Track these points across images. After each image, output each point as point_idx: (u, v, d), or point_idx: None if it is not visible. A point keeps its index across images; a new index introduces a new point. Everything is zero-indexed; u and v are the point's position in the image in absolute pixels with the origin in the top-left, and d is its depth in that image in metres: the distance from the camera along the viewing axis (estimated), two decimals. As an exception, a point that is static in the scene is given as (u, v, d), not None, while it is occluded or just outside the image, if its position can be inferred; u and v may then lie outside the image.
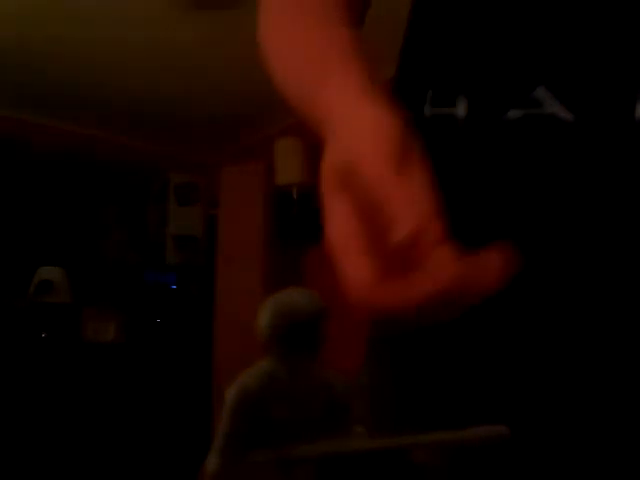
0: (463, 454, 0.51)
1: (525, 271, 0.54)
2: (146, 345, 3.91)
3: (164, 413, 3.78)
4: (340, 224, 0.40)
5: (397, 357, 0.60)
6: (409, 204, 0.37)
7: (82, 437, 3.47)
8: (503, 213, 0.55)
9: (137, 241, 4.32)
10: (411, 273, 0.37)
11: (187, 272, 4.26)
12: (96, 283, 4.05)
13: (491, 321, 0.53)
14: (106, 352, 3.75)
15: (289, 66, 0.57)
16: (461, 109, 0.55)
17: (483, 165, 0.55)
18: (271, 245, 3.59)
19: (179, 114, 3.86)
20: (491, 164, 0.55)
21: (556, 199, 0.53)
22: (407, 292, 0.37)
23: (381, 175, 0.38)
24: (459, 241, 0.44)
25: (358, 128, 0.42)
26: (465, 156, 0.56)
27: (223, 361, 3.51)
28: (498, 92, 0.54)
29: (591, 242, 0.52)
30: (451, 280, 0.37)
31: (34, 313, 3.67)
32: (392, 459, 0.48)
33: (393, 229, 0.36)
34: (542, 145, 0.53)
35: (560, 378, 0.52)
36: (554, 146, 0.52)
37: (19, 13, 2.77)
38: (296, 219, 3.57)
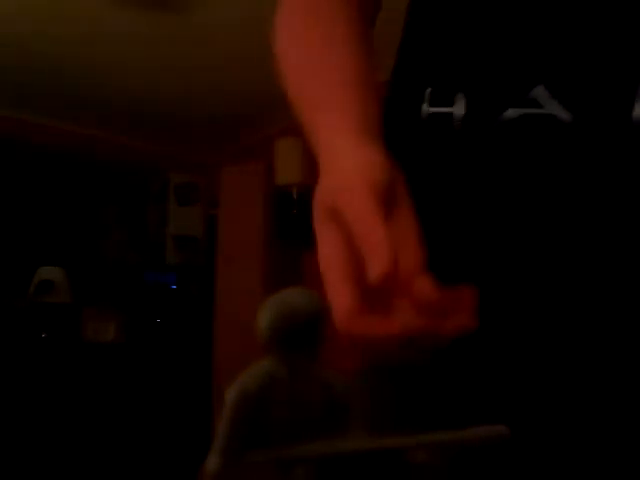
0: (463, 454, 0.51)
1: (523, 270, 0.54)
2: (146, 345, 3.91)
3: (164, 413, 3.78)
4: (326, 254, 0.43)
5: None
6: (383, 246, 0.39)
7: (82, 437, 3.47)
8: (500, 213, 0.55)
9: (137, 241, 4.33)
10: (392, 304, 0.41)
11: (187, 272, 4.26)
12: (96, 283, 4.05)
13: (491, 321, 0.53)
14: (106, 352, 3.75)
15: (294, 78, 0.59)
16: (459, 108, 0.55)
17: (480, 166, 0.55)
18: (271, 245, 3.59)
19: (179, 114, 3.86)
20: (488, 165, 0.55)
21: (553, 199, 0.53)
22: (385, 324, 0.40)
23: (361, 216, 0.41)
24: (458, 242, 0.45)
25: (347, 170, 0.45)
26: (462, 157, 0.56)
27: (223, 361, 3.51)
28: (496, 91, 0.54)
29: (589, 241, 0.52)
30: (427, 317, 0.40)
31: (34, 313, 3.67)
32: (391, 459, 0.48)
33: (367, 268, 0.39)
34: (540, 146, 0.53)
35: (559, 378, 0.52)
36: (552, 147, 0.52)
37: (19, 13, 2.77)
38: (296, 219, 3.57)
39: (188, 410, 3.79)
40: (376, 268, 0.39)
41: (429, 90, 0.57)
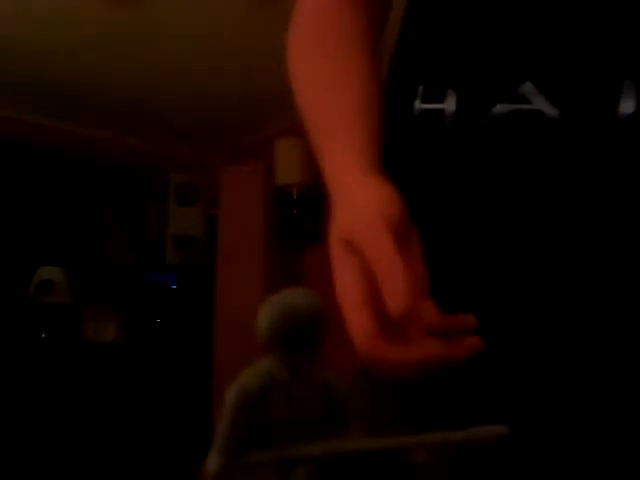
0: (463, 454, 0.51)
1: (517, 267, 0.54)
2: (146, 345, 3.91)
3: (164, 413, 3.78)
4: (345, 282, 0.46)
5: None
6: (404, 283, 0.42)
7: (82, 437, 3.47)
8: (490, 209, 0.55)
9: (137, 241, 4.32)
10: (407, 334, 0.44)
11: (187, 272, 4.26)
12: (96, 283, 4.05)
13: (491, 321, 0.53)
14: (106, 352, 3.75)
15: (304, 102, 0.62)
16: (450, 104, 0.56)
17: (470, 161, 0.56)
18: (271, 245, 3.59)
19: (179, 114, 3.86)
20: (478, 160, 0.56)
21: (541, 194, 0.53)
22: (403, 352, 0.43)
23: (382, 253, 0.44)
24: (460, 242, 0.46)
25: (363, 206, 0.48)
26: (453, 152, 0.57)
27: (223, 361, 3.50)
28: (486, 87, 0.55)
29: (578, 235, 0.52)
30: (441, 346, 0.43)
31: (34, 313, 3.67)
32: (391, 459, 0.48)
33: (388, 302, 0.42)
34: (528, 141, 0.53)
35: (559, 379, 0.52)
36: (540, 142, 0.53)
37: (19, 13, 2.77)
38: (296, 219, 3.57)
39: (188, 410, 3.79)
40: (397, 304, 0.41)
41: (421, 87, 0.59)
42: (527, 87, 0.53)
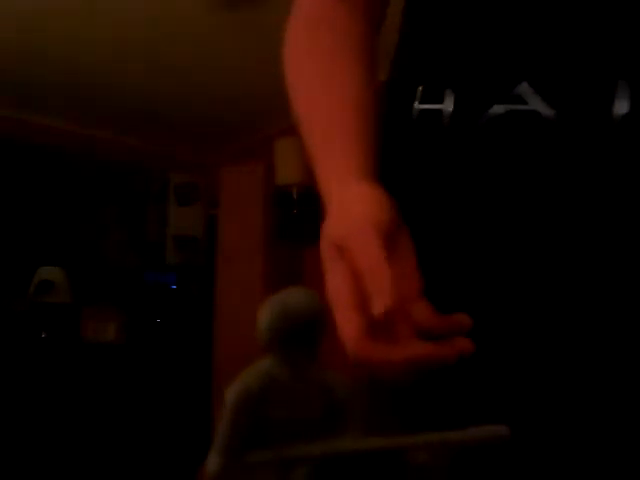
0: (463, 454, 0.51)
1: (517, 269, 0.54)
2: (146, 345, 3.91)
3: (164, 413, 3.78)
4: (335, 285, 0.47)
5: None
6: (387, 285, 0.44)
7: (82, 437, 3.47)
8: (487, 209, 0.55)
9: (137, 241, 4.32)
10: (394, 331, 0.45)
11: (187, 272, 4.26)
12: (96, 283, 4.05)
13: (489, 322, 0.53)
14: (106, 352, 3.75)
15: (299, 105, 0.63)
16: (448, 104, 0.57)
17: (467, 161, 0.57)
18: (271, 245, 3.59)
19: (179, 114, 3.86)
20: (475, 160, 0.56)
21: (538, 194, 0.54)
22: (391, 352, 0.44)
23: (368, 257, 0.46)
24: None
25: (353, 211, 0.50)
26: (450, 153, 0.57)
27: (223, 361, 3.50)
28: (483, 87, 0.56)
29: (574, 235, 0.53)
30: (430, 346, 0.44)
31: (34, 313, 3.67)
32: (391, 459, 0.48)
33: (372, 304, 0.43)
34: (524, 141, 0.54)
35: (559, 379, 0.52)
36: (536, 142, 0.54)
37: (19, 13, 2.77)
38: (296, 219, 3.57)
39: (188, 410, 3.79)
40: (380, 304, 0.43)
41: (421, 88, 0.59)
42: (523, 88, 0.54)
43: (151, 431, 3.69)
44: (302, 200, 3.52)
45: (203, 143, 4.29)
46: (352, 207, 0.51)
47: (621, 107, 0.51)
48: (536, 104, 0.53)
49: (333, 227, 0.51)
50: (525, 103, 0.53)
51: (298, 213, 3.55)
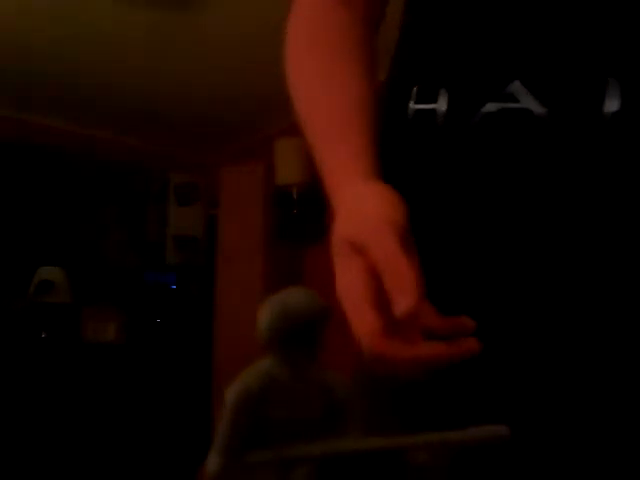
0: (463, 454, 0.51)
1: (513, 267, 0.54)
2: (146, 345, 3.91)
3: (164, 413, 3.78)
4: (349, 282, 0.47)
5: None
6: (412, 285, 0.43)
7: (82, 437, 3.47)
8: (482, 209, 0.56)
9: (137, 241, 4.32)
10: (405, 335, 0.45)
11: (187, 272, 4.26)
12: (96, 283, 4.05)
13: (489, 322, 0.53)
14: (106, 352, 3.75)
15: (301, 107, 0.64)
16: (442, 104, 0.57)
17: (461, 160, 0.57)
18: (271, 245, 3.59)
19: (179, 114, 3.86)
20: (468, 159, 0.57)
21: (530, 191, 0.54)
22: (409, 350, 0.44)
23: (391, 257, 0.45)
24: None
25: (368, 211, 0.50)
26: (444, 152, 0.58)
27: (223, 361, 3.51)
28: (476, 86, 0.56)
29: (568, 235, 0.53)
30: (440, 350, 0.44)
31: (34, 313, 3.67)
32: (391, 459, 0.48)
33: (395, 303, 0.43)
34: (516, 139, 0.54)
35: (559, 379, 0.53)
36: (528, 140, 0.54)
37: (19, 13, 2.77)
38: (296, 219, 3.57)
39: (188, 410, 3.79)
40: (404, 304, 0.43)
41: (416, 88, 0.60)
42: (516, 86, 0.54)
43: (151, 431, 3.69)
44: (302, 200, 3.52)
45: (203, 143, 4.29)
46: (365, 205, 0.51)
47: (612, 105, 0.51)
48: (528, 102, 0.54)
49: (345, 224, 0.51)
50: (517, 101, 0.54)
51: (298, 213, 3.55)
